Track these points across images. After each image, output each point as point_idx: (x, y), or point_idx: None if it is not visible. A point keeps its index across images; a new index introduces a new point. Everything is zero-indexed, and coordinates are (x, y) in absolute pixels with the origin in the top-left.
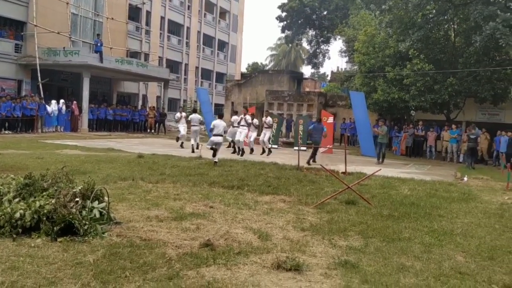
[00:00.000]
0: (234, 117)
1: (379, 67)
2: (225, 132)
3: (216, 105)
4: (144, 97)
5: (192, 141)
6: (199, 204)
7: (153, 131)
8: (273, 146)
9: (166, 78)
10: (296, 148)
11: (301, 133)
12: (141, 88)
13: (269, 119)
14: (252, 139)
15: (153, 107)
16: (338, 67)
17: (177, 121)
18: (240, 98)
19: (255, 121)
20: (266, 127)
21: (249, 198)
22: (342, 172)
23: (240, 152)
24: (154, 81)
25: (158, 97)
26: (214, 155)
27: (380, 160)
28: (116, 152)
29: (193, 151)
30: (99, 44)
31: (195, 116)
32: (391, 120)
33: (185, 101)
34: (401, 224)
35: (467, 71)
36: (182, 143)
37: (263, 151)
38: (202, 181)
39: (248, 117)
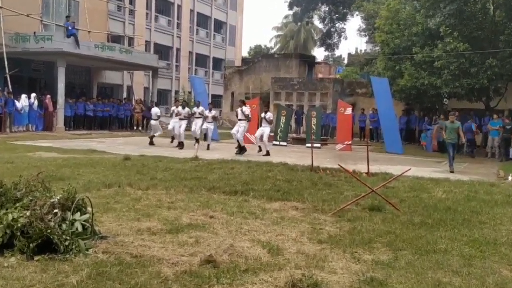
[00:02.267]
0: (173, 108)
1: (405, 47)
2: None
3: (213, 96)
4: (130, 89)
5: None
6: (197, 213)
7: (140, 128)
8: (281, 143)
9: (155, 66)
10: (308, 145)
11: (314, 128)
12: (125, 78)
13: (269, 114)
14: (265, 137)
15: (140, 100)
16: (356, 49)
17: (172, 115)
18: (242, 87)
19: (269, 115)
20: (264, 125)
21: (255, 206)
22: (365, 173)
23: (238, 150)
24: (140, 70)
25: (145, 89)
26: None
27: (452, 166)
28: (98, 154)
29: (151, 142)
30: (70, 27)
31: (154, 110)
32: (420, 110)
33: (177, 92)
34: (436, 233)
35: (509, 51)
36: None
37: (260, 150)
38: (200, 186)
39: (245, 109)
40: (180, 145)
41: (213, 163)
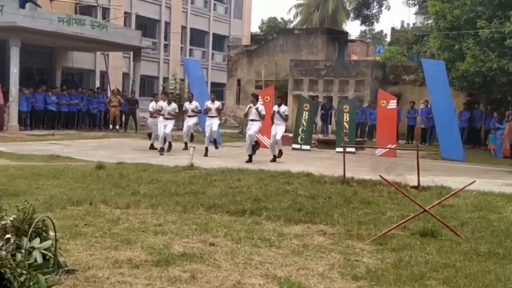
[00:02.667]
0: (152, 104)
1: (467, 20)
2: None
3: (213, 85)
4: (104, 76)
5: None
6: (193, 239)
7: (118, 127)
8: (304, 147)
9: (137, 45)
10: (339, 149)
11: (347, 126)
12: (98, 61)
13: (284, 108)
14: (278, 136)
15: (118, 90)
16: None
17: (154, 114)
18: (251, 73)
19: (284, 108)
20: (278, 122)
21: (269, 230)
22: (414, 187)
23: (251, 153)
24: (118, 51)
25: (125, 75)
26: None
27: None
28: (63, 161)
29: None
30: None
31: (172, 106)
32: (486, 104)
33: (165, 80)
34: (508, 266)
35: None
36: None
37: (276, 156)
38: (197, 203)
39: (261, 108)
40: (161, 150)
41: (214, 173)
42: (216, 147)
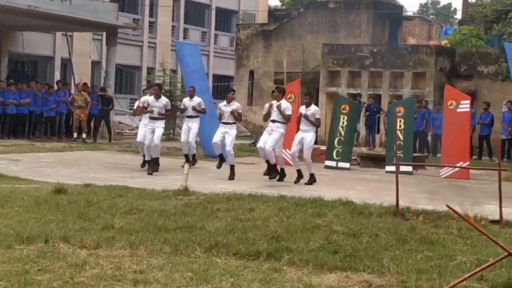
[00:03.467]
0: (144, 98)
1: None
2: None
3: (217, 78)
4: (66, 65)
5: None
6: None
7: (84, 135)
8: (341, 164)
9: (112, 23)
10: (391, 168)
11: (401, 136)
12: (59, 45)
13: (313, 109)
14: (306, 151)
15: (85, 85)
16: None
17: (140, 110)
18: (269, 62)
19: (314, 110)
20: (305, 129)
21: (293, 280)
22: (494, 221)
23: (270, 173)
24: (86, 31)
25: (95, 64)
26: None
27: None
28: (9, 182)
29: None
30: None
31: (196, 101)
32: None
33: (151, 71)
34: None
35: None
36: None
37: (300, 177)
38: (193, 242)
39: (285, 105)
40: (151, 165)
41: (216, 200)
42: (219, 166)
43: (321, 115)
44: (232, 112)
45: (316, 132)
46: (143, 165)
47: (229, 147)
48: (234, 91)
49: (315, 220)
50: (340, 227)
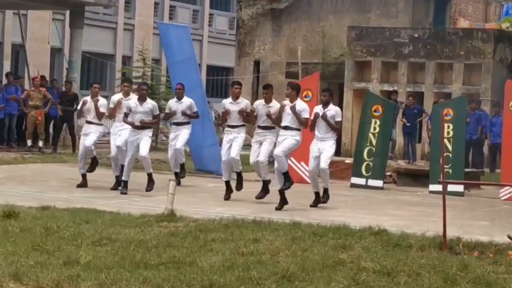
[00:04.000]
0: (116, 97)
1: None
2: None
3: (212, 69)
4: (19, 52)
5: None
6: None
7: (41, 143)
8: (371, 182)
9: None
10: (436, 187)
11: (450, 146)
12: (9, 27)
13: (333, 110)
14: (324, 162)
15: (43, 78)
16: None
17: (111, 113)
18: (279, 50)
19: (334, 111)
20: (323, 136)
21: None
22: None
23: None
24: (44, 9)
25: (55, 52)
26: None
27: None
28: None
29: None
30: None
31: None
32: None
33: (127, 61)
34: None
35: None
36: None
37: (318, 199)
38: (180, 282)
39: (301, 106)
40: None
41: (211, 227)
42: (228, 197)
43: (344, 118)
44: (240, 112)
45: (339, 140)
46: (115, 187)
47: (235, 156)
48: (239, 84)
49: (338, 255)
50: (370, 264)
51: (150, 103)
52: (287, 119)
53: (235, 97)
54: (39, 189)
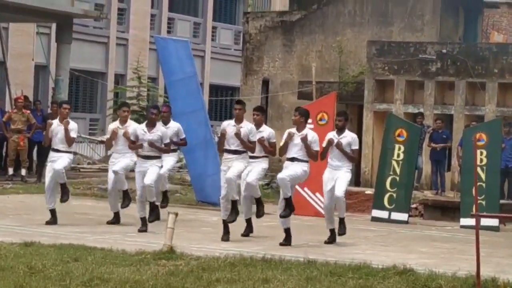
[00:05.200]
0: (113, 125)
1: None
2: None
3: (215, 89)
4: None
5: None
6: None
7: (23, 172)
8: (395, 215)
9: (65, 10)
10: (468, 222)
11: (483, 175)
12: None
13: (350, 138)
14: (339, 192)
15: (26, 98)
16: None
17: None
18: (291, 66)
19: (350, 138)
20: (337, 164)
21: None
22: None
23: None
24: (27, 21)
25: (40, 70)
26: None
27: None
28: None
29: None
30: None
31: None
32: None
33: (120, 80)
34: None
35: None
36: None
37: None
38: None
39: (311, 135)
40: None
41: (216, 266)
42: (246, 233)
43: (364, 143)
44: (261, 141)
45: (358, 168)
46: (111, 221)
47: (252, 181)
48: (262, 109)
49: None
50: None
51: (159, 129)
52: (295, 150)
53: (258, 125)
54: (22, 222)
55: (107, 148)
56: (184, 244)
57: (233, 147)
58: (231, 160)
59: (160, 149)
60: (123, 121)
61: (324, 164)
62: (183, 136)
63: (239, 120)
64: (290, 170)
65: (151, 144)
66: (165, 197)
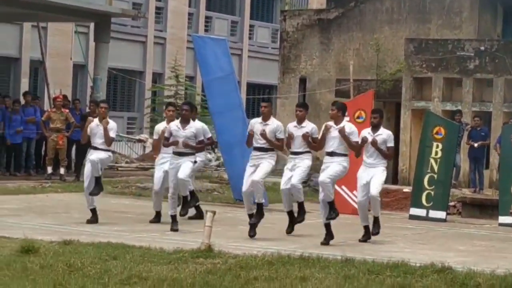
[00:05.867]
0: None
1: None
2: None
3: (252, 87)
4: (37, 69)
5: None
6: None
7: (62, 170)
8: (432, 213)
9: (103, 9)
10: (506, 219)
11: None
12: (27, 41)
13: (386, 135)
14: (374, 190)
15: (65, 98)
16: None
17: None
18: (328, 64)
19: (386, 135)
20: (371, 161)
21: None
22: None
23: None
24: (66, 21)
25: (78, 69)
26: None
27: None
28: None
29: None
30: None
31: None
32: None
33: (158, 78)
34: None
35: None
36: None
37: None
38: None
39: (349, 127)
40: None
41: (254, 264)
42: (290, 230)
43: (402, 141)
44: (304, 136)
45: (396, 166)
46: (154, 220)
47: (297, 182)
48: (305, 105)
49: None
50: None
51: (194, 126)
52: (333, 144)
53: (301, 121)
54: (61, 221)
55: (155, 150)
56: (222, 243)
57: (259, 145)
58: (258, 157)
59: (194, 147)
60: (170, 121)
61: (361, 162)
62: (210, 135)
63: (266, 118)
64: (330, 171)
65: (185, 143)
66: (193, 198)
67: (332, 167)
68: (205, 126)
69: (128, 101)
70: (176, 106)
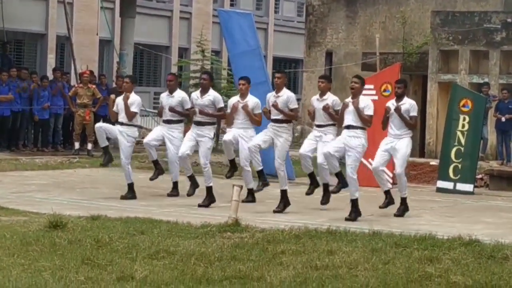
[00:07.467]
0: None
1: None
2: None
3: (278, 61)
4: (64, 45)
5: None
6: None
7: (90, 146)
8: (460, 186)
9: None
10: None
11: None
12: (53, 17)
13: (409, 104)
14: (399, 167)
15: (91, 73)
16: None
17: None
18: (353, 40)
19: (409, 105)
20: (396, 132)
21: None
22: None
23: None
24: None
25: (105, 44)
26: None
27: None
28: None
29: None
30: None
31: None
32: None
33: (184, 53)
34: None
35: None
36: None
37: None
38: None
39: (364, 101)
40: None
41: (281, 238)
42: (310, 192)
43: (428, 114)
44: (325, 108)
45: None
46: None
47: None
48: (327, 77)
49: (425, 268)
50: (461, 278)
51: (212, 94)
52: (349, 118)
53: (323, 93)
54: (88, 196)
55: (228, 123)
56: (249, 217)
57: (275, 116)
58: (275, 130)
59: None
60: (243, 95)
61: (378, 135)
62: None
63: (279, 90)
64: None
65: (204, 112)
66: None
67: (357, 146)
68: (186, 97)
69: (154, 76)
70: (248, 80)
